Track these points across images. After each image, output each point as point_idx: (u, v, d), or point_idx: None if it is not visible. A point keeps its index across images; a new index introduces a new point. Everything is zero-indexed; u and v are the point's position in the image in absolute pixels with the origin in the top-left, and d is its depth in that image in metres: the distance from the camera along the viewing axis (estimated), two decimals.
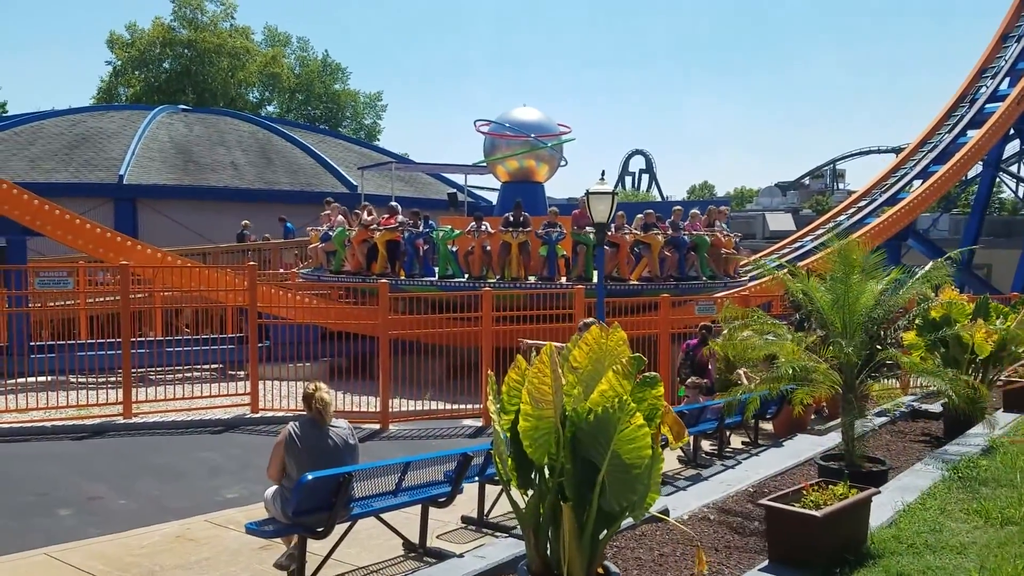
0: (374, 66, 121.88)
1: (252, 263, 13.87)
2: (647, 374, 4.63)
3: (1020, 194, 47.04)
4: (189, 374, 13.63)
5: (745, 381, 9.58)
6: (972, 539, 5.60)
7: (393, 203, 17.26)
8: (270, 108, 53.61)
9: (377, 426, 11.80)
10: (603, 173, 11.10)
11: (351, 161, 30.97)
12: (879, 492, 5.84)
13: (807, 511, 4.85)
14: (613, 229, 15.36)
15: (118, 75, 48.80)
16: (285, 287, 15.59)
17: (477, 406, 12.58)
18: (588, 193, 11.65)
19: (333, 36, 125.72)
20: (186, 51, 47.23)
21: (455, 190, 27.77)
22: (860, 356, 7.69)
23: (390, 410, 12.12)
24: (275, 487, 5.78)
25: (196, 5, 48.88)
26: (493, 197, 31.95)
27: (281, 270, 20.13)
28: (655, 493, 4.56)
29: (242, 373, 14.02)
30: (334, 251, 17.28)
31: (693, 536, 5.98)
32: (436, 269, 16.54)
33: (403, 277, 15.92)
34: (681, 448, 8.94)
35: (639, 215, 16.83)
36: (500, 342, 12.63)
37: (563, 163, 20.75)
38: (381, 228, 16.35)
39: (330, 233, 17.29)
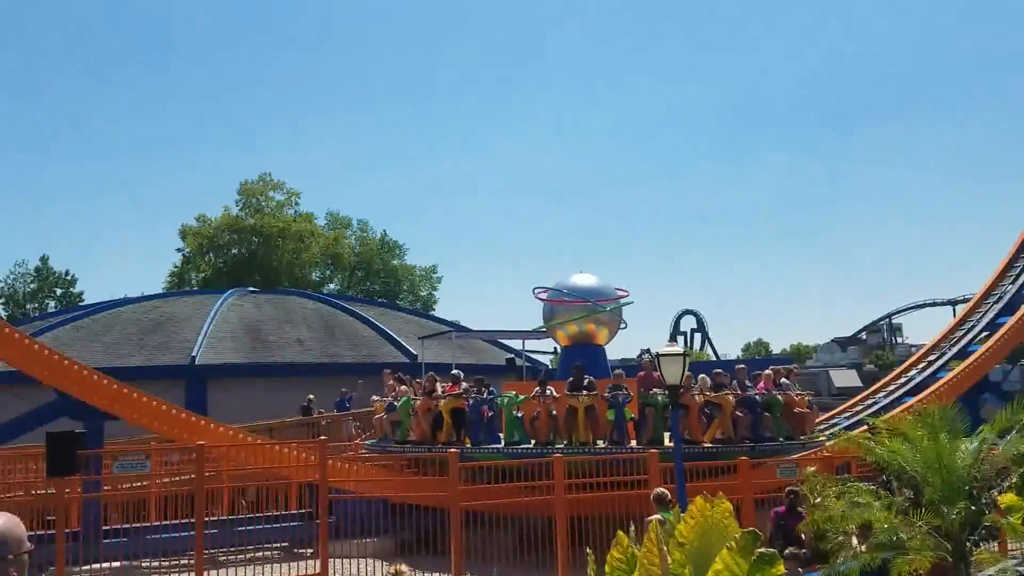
0: (430, 241, 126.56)
1: (323, 437, 13.91)
2: (764, 551, 4.39)
3: None
4: (256, 554, 13.38)
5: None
6: None
7: (455, 371, 17.36)
8: (331, 286, 55.59)
9: None
10: (672, 335, 11.07)
11: (410, 331, 31.57)
12: None
13: None
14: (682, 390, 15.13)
15: (188, 262, 51.55)
16: (353, 459, 15.48)
17: None
18: (658, 355, 11.56)
19: (391, 216, 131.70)
20: (253, 237, 49.86)
21: (512, 355, 27.95)
22: (968, 521, 7.24)
23: None
24: None
25: (261, 193, 52.07)
26: (549, 360, 32.09)
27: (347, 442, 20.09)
28: None
29: (308, 551, 13.72)
30: (399, 421, 17.27)
31: None
32: (501, 436, 16.35)
33: (468, 445, 15.73)
34: None
35: (702, 375, 16.58)
36: (573, 511, 12.23)
37: (623, 325, 20.83)
38: (446, 396, 16.38)
39: (395, 403, 17.33)
